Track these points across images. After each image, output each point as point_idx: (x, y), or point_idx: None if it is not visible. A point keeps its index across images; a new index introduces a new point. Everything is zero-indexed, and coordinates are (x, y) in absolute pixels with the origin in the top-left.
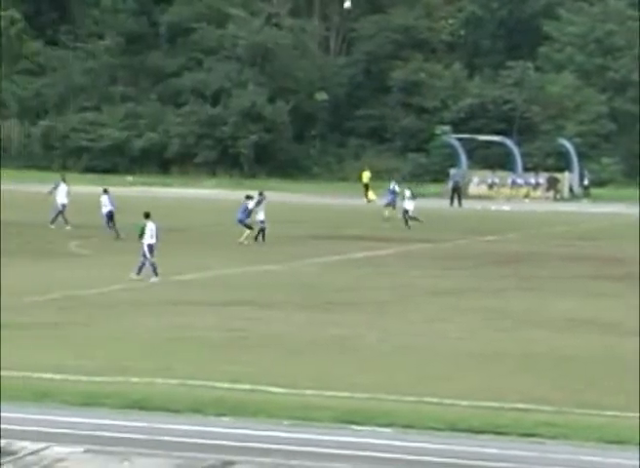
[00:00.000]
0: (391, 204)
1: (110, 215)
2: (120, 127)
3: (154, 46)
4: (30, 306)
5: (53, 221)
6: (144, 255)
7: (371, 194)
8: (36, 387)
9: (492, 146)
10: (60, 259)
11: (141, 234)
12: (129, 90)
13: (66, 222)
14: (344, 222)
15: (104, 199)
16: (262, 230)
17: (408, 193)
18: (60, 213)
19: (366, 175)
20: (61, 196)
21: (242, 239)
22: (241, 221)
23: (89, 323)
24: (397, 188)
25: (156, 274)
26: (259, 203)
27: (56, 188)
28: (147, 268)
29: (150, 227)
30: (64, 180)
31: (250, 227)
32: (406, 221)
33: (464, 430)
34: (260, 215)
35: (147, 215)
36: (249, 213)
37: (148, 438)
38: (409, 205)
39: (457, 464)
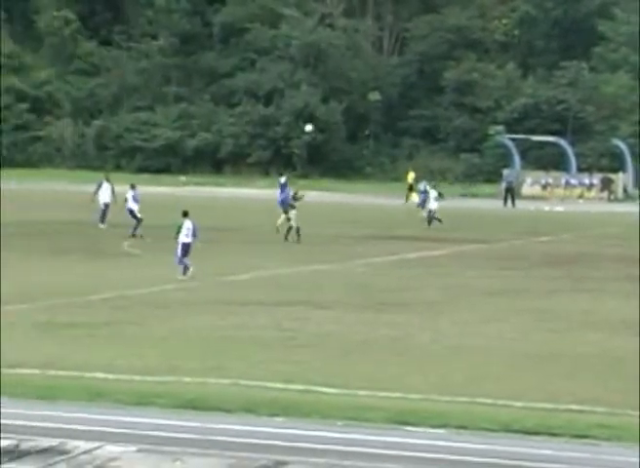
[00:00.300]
0: (422, 204)
1: (131, 212)
2: (173, 127)
3: (207, 46)
4: (84, 305)
5: (102, 221)
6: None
7: (414, 195)
8: (90, 387)
9: (545, 147)
10: (113, 259)
11: (178, 232)
12: (182, 90)
13: (103, 222)
14: (398, 223)
15: (129, 195)
16: (291, 228)
17: (434, 193)
18: (104, 212)
19: (410, 176)
20: (104, 195)
21: (278, 223)
22: (282, 203)
23: (141, 322)
24: (428, 188)
25: (185, 272)
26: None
27: (99, 188)
28: (189, 267)
29: (187, 226)
30: (108, 180)
31: (286, 212)
32: (429, 221)
33: (518, 431)
34: (292, 212)
35: (185, 214)
36: (292, 195)
37: (201, 437)
38: (433, 205)
39: (510, 465)
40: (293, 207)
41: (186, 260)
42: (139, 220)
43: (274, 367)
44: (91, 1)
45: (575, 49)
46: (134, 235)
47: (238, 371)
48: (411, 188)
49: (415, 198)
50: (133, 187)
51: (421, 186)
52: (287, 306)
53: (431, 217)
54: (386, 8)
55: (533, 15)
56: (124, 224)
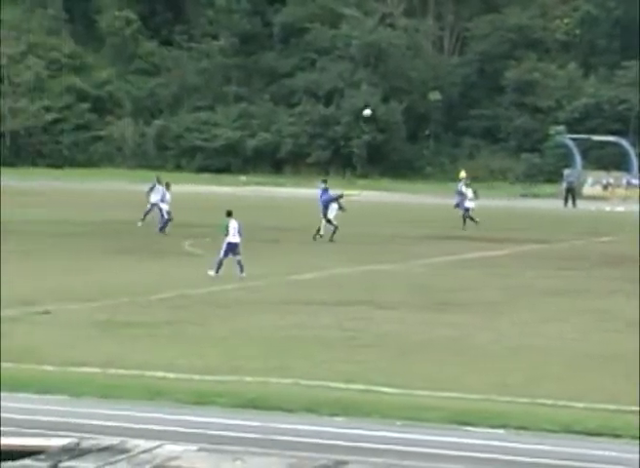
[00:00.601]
0: (458, 205)
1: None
2: (233, 127)
3: (268, 46)
4: (145, 305)
5: (165, 221)
6: (236, 254)
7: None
8: (150, 386)
9: (607, 146)
10: (174, 258)
11: (226, 232)
12: (242, 90)
13: (143, 219)
14: (457, 222)
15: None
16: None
17: (470, 194)
18: (148, 212)
19: (462, 176)
20: (156, 196)
21: (322, 232)
22: (325, 202)
23: (202, 322)
24: (464, 189)
25: (217, 271)
26: (340, 205)
27: (152, 189)
28: (240, 264)
29: (233, 225)
30: (159, 181)
31: (325, 216)
32: (464, 220)
33: (579, 432)
34: (331, 214)
35: (230, 214)
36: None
37: (262, 437)
38: (469, 204)
39: (571, 467)
40: (339, 201)
41: (225, 259)
42: (166, 220)
43: (336, 366)
44: (152, 1)
45: (636, 48)
46: (162, 230)
47: (300, 371)
48: None
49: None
50: (167, 186)
51: (458, 187)
52: (348, 306)
53: (465, 217)
54: (447, 7)
55: (594, 14)
56: (185, 224)
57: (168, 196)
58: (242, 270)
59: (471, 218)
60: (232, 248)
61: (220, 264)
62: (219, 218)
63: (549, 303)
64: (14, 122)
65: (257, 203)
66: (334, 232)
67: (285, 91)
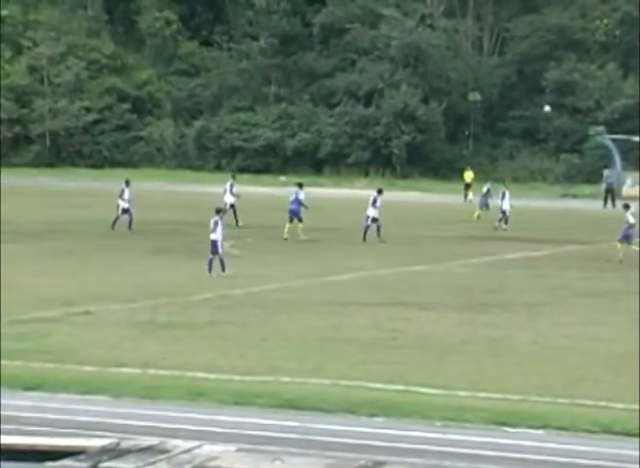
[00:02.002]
0: (484, 205)
1: (124, 210)
2: (273, 127)
3: (307, 47)
4: (185, 305)
5: (115, 219)
6: (213, 252)
7: (470, 195)
8: (191, 386)
9: None
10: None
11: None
12: (282, 90)
13: (236, 220)
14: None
15: (122, 189)
16: (378, 227)
17: (507, 194)
18: (235, 212)
19: (468, 175)
20: (228, 196)
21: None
22: (292, 212)
23: (242, 322)
24: (490, 189)
25: (210, 270)
26: (375, 201)
27: (232, 188)
28: (225, 263)
29: (214, 222)
30: (234, 178)
31: (295, 220)
32: (504, 221)
33: (620, 433)
34: (373, 212)
35: (218, 212)
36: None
37: (300, 437)
38: (506, 205)
39: (610, 467)
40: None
41: (211, 257)
42: (117, 217)
43: (374, 367)
44: (192, 2)
45: None
46: (111, 228)
47: (338, 372)
48: (468, 187)
49: (470, 197)
50: (127, 184)
51: (484, 188)
52: (387, 307)
53: (504, 219)
54: (487, 8)
55: (634, 15)
56: (226, 225)
57: (127, 193)
58: (210, 270)
59: (505, 220)
60: (217, 244)
61: (210, 264)
62: (259, 219)
63: (589, 304)
64: (54, 122)
65: None
66: (365, 232)
67: (325, 91)
